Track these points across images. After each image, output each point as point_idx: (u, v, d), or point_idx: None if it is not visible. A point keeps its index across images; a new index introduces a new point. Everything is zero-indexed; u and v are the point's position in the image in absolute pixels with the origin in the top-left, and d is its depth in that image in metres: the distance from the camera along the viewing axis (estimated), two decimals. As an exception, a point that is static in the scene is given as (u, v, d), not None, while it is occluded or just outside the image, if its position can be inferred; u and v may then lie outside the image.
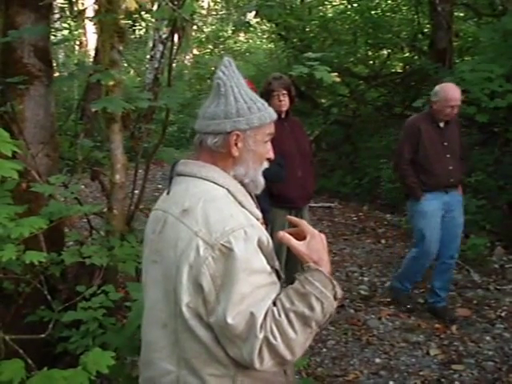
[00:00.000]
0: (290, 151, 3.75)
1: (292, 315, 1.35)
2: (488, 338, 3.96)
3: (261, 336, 1.32)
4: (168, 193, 1.54)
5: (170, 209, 1.49)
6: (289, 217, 1.62)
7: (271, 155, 1.58)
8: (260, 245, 1.40)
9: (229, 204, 1.45)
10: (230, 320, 1.31)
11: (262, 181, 1.58)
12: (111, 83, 2.87)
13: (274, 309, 1.36)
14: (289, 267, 3.61)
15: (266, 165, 1.58)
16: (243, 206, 1.48)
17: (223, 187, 1.48)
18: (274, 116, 1.56)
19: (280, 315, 1.34)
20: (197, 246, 1.37)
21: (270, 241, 1.48)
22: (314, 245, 1.46)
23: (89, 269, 2.87)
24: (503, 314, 4.23)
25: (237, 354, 1.36)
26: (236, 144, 1.49)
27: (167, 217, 1.48)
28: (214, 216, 1.39)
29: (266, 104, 1.55)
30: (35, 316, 2.83)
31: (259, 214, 1.54)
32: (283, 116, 3.82)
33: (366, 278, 5.30)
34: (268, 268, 1.42)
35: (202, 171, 1.50)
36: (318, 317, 1.37)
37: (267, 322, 1.33)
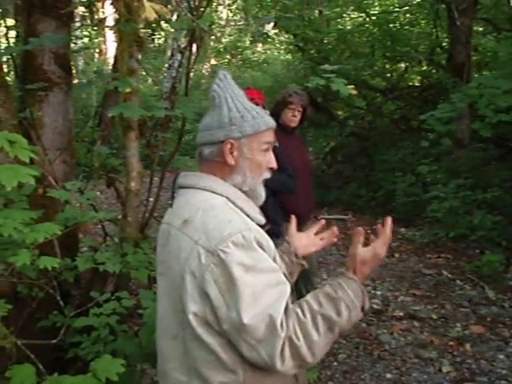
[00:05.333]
0: (298, 165, 3.71)
1: (319, 317, 1.37)
2: (502, 356, 3.90)
3: (283, 335, 1.31)
4: (171, 206, 1.57)
5: (173, 221, 1.51)
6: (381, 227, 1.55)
7: (273, 165, 1.57)
8: (260, 246, 1.41)
9: (227, 211, 1.46)
10: (246, 320, 1.31)
11: (262, 192, 1.57)
12: (128, 90, 2.89)
13: (298, 310, 1.37)
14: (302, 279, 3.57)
15: (267, 175, 1.57)
16: (245, 213, 1.49)
17: (222, 195, 1.49)
18: (271, 124, 1.55)
19: (305, 316, 1.36)
20: (198, 254, 1.38)
21: (272, 244, 1.48)
22: (369, 256, 1.51)
23: (102, 275, 2.88)
24: (518, 333, 4.17)
25: (255, 356, 1.35)
26: (232, 153, 1.50)
27: (170, 229, 1.51)
28: (211, 223, 1.40)
29: (262, 112, 1.54)
30: (47, 321, 2.84)
31: (262, 220, 1.54)
32: (289, 131, 3.82)
33: (378, 292, 5.26)
34: (274, 266, 1.42)
35: (200, 182, 1.51)
36: (343, 323, 1.40)
37: (290, 322, 1.33)
